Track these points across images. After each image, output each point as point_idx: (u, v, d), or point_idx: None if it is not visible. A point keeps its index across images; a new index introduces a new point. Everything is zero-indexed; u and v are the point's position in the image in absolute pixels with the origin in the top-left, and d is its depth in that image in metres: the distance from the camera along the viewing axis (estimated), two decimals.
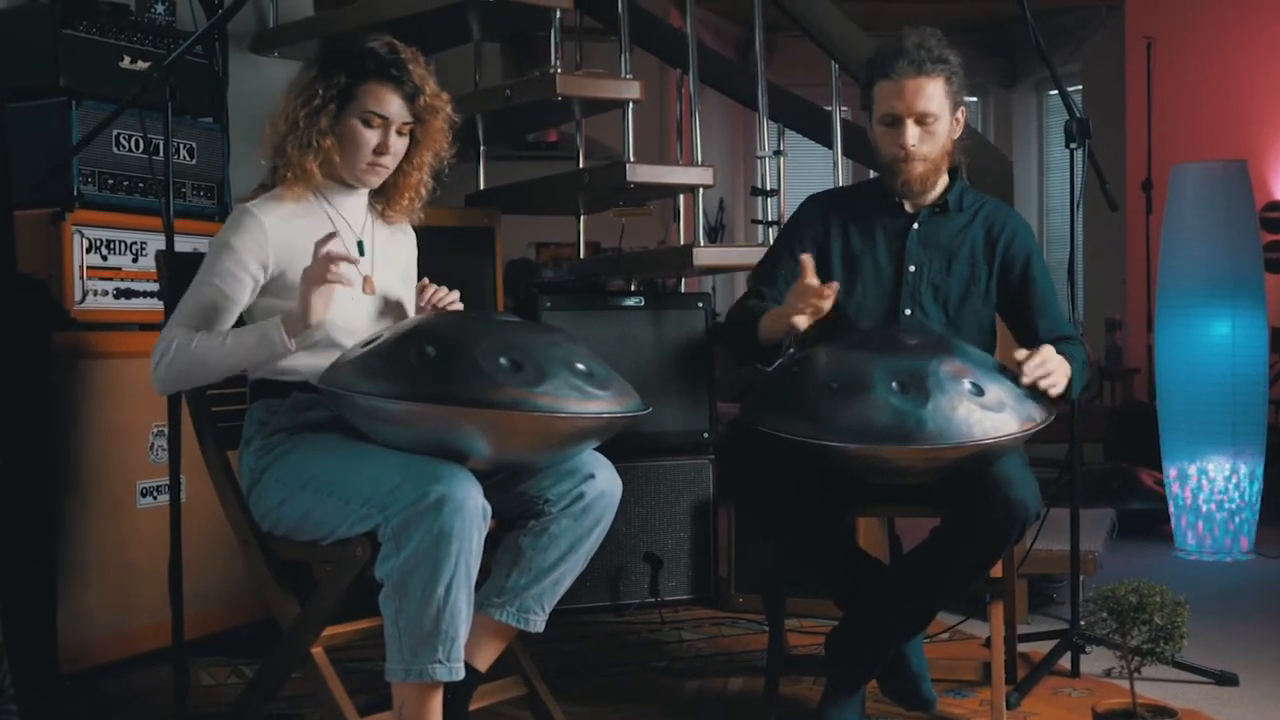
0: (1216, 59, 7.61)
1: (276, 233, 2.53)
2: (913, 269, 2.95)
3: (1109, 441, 6.80)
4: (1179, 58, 7.51)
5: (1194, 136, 7.38)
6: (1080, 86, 8.29)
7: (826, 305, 2.71)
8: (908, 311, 2.94)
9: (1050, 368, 2.64)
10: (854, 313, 2.94)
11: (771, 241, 4.11)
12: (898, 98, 2.86)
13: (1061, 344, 2.80)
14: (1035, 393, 2.63)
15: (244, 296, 2.53)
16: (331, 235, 2.45)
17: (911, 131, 2.87)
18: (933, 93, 2.86)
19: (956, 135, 2.96)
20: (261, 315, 2.56)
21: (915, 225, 2.97)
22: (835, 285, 2.71)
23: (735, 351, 3.03)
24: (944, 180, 2.99)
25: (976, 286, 2.96)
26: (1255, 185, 6.90)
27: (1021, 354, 2.65)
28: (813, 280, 2.70)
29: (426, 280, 2.73)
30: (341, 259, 2.40)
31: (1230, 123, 7.51)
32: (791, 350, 2.91)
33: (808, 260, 2.73)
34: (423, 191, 2.73)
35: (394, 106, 2.57)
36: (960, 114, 2.95)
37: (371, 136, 2.57)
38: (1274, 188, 7.60)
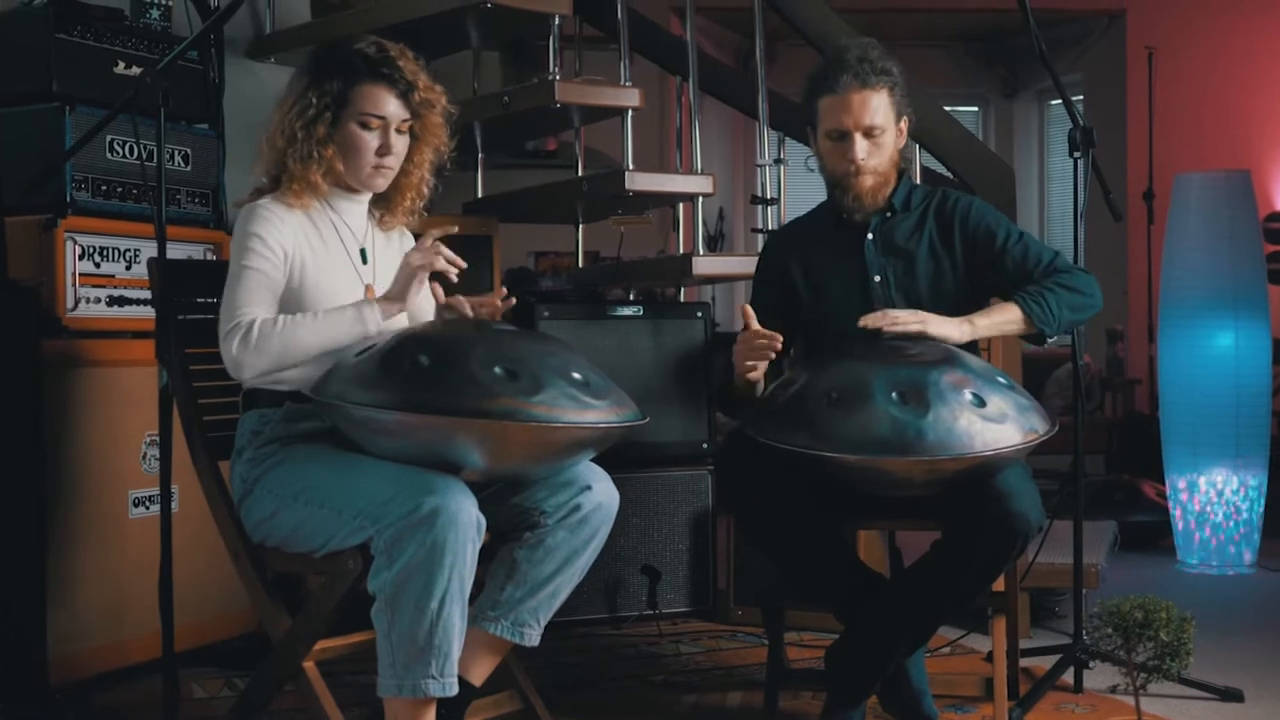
0: (1218, 69, 7.61)
1: (289, 232, 2.52)
2: (878, 279, 2.94)
3: (1110, 453, 6.78)
4: (1180, 68, 7.50)
5: (1195, 146, 7.37)
6: (1082, 96, 8.28)
7: (774, 350, 2.73)
8: None
9: (893, 318, 2.70)
10: (834, 335, 2.91)
11: None
12: (844, 112, 2.86)
13: (1050, 278, 2.83)
14: (1036, 404, 2.60)
15: (280, 276, 2.49)
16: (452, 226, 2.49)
17: (860, 145, 2.86)
18: (878, 105, 2.86)
19: (902, 145, 2.97)
20: None
21: (869, 235, 2.95)
22: (777, 337, 2.72)
23: (733, 417, 3.04)
24: (890, 187, 2.97)
25: (943, 279, 2.93)
26: (1258, 196, 6.88)
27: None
28: (755, 327, 2.74)
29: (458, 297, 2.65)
30: (450, 260, 2.43)
31: (1231, 133, 7.50)
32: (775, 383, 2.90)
33: (748, 311, 2.77)
34: (424, 190, 2.71)
35: (390, 105, 2.55)
36: (903, 124, 2.94)
37: (371, 139, 2.55)
38: (1276, 198, 7.59)
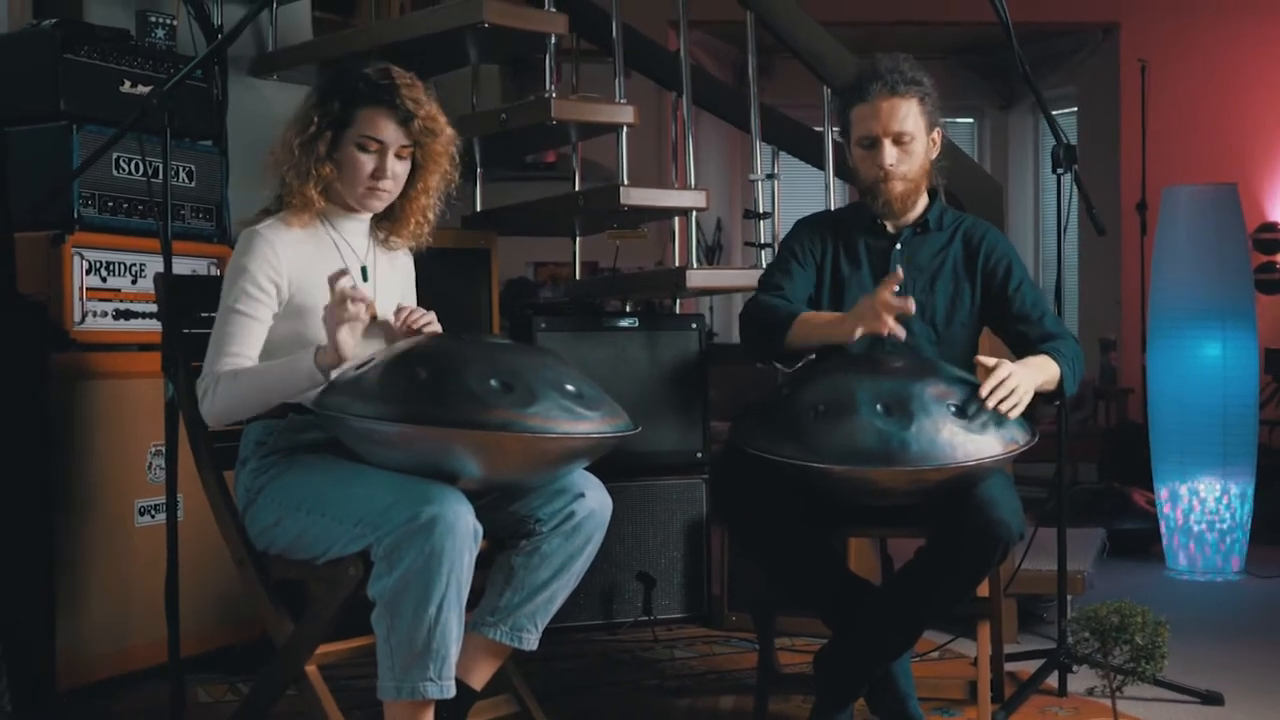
0: (1210, 82, 7.68)
1: (287, 256, 2.58)
2: (897, 288, 3.00)
3: (1103, 461, 6.84)
4: (1173, 80, 7.57)
5: (1188, 158, 7.44)
6: (1076, 108, 8.35)
7: (896, 323, 2.74)
8: None
9: (1009, 388, 2.64)
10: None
11: (765, 263, 4.17)
12: (874, 119, 2.93)
13: (1049, 343, 2.87)
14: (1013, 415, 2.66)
15: (268, 314, 2.56)
16: (341, 273, 2.47)
17: (890, 151, 2.93)
18: (907, 113, 2.93)
19: (934, 155, 3.03)
20: (281, 341, 2.59)
21: (898, 245, 3.02)
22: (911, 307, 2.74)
23: (754, 348, 3.02)
24: (924, 200, 3.05)
25: (961, 302, 3.00)
26: (1249, 207, 6.94)
27: (982, 374, 2.66)
28: (890, 297, 2.73)
29: (402, 303, 2.71)
30: (355, 297, 2.44)
31: (1223, 145, 7.57)
32: (812, 357, 2.95)
33: (897, 276, 2.75)
34: (430, 215, 2.76)
35: (389, 131, 2.61)
36: (936, 134, 3.01)
37: (368, 161, 2.61)
38: (1267, 209, 7.66)
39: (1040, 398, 2.85)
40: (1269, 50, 7.74)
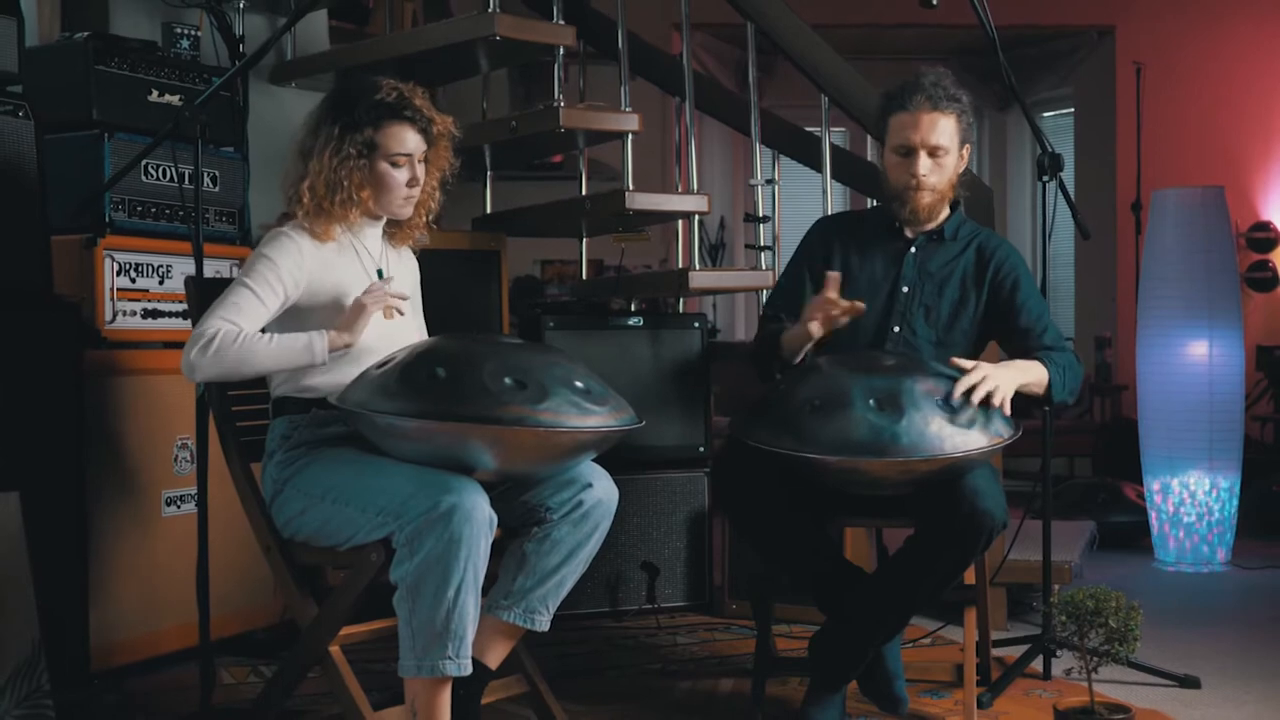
0: (1205, 84, 7.79)
1: (311, 258, 2.74)
2: (906, 290, 3.15)
3: (1096, 456, 6.97)
4: (1168, 82, 7.68)
5: (1183, 159, 7.55)
6: (1072, 109, 8.47)
7: (842, 319, 2.95)
8: (896, 329, 3.14)
9: (986, 389, 2.78)
10: (847, 327, 3.13)
11: (765, 266, 4.32)
12: (913, 129, 3.07)
13: (1047, 352, 3.03)
14: (997, 408, 2.81)
15: (274, 305, 2.70)
16: (388, 280, 2.68)
17: (924, 163, 3.08)
18: (945, 127, 3.08)
19: (961, 170, 3.18)
20: (286, 329, 2.73)
21: (912, 250, 3.17)
22: (860, 306, 2.94)
23: (761, 372, 3.23)
24: (945, 211, 3.19)
25: (965, 309, 3.15)
26: (1242, 207, 7.07)
27: (958, 376, 2.82)
28: (832, 294, 2.93)
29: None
30: (397, 295, 2.63)
31: (1218, 146, 7.68)
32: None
33: (835, 277, 2.96)
34: (433, 205, 2.94)
35: (412, 142, 2.79)
36: (966, 150, 3.16)
37: (401, 175, 2.79)
38: (1260, 209, 7.77)
39: (1030, 400, 3.02)
40: (1263, 53, 7.85)
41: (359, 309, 2.67)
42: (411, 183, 2.80)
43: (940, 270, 3.16)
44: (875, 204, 3.34)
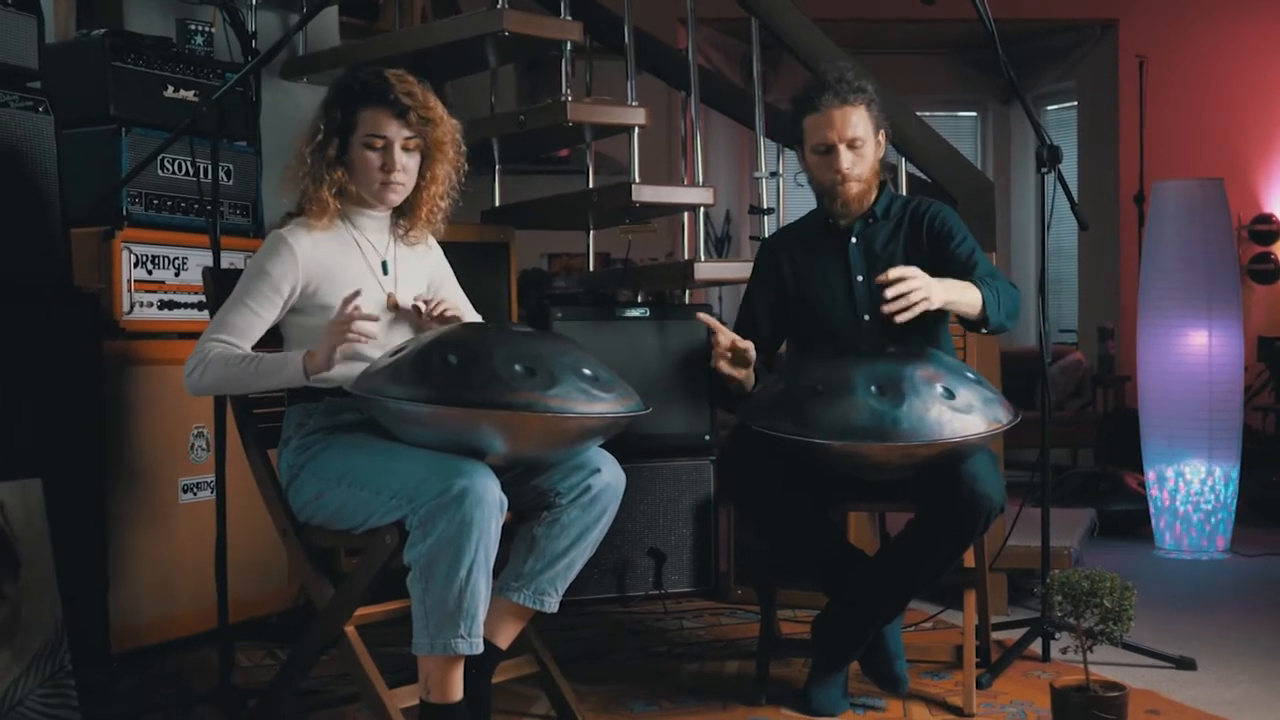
0: (1207, 77, 7.84)
1: (307, 257, 2.79)
2: (860, 279, 3.23)
3: (1100, 447, 7.03)
4: (1170, 76, 7.74)
5: (1185, 152, 7.61)
6: (1075, 102, 8.52)
7: (748, 353, 3.08)
8: (866, 318, 3.21)
9: (908, 287, 2.87)
10: (821, 328, 3.22)
11: None
12: (828, 127, 3.16)
13: (996, 280, 3.08)
14: (1001, 397, 2.88)
15: (274, 314, 2.79)
16: (355, 294, 2.68)
17: (845, 156, 3.16)
18: (857, 119, 3.17)
19: (881, 155, 3.27)
20: (293, 329, 2.84)
21: (853, 239, 3.26)
22: (750, 345, 3.10)
23: (724, 405, 3.38)
24: (874, 194, 3.27)
25: None
26: (1244, 199, 7.11)
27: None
28: (721, 339, 3.08)
29: (425, 295, 2.94)
30: (364, 318, 2.65)
31: (1220, 138, 7.73)
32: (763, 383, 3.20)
33: (706, 319, 3.14)
34: (441, 204, 2.95)
35: (390, 127, 2.82)
36: (882, 135, 3.25)
37: (376, 158, 2.83)
38: (1262, 201, 7.83)
39: (965, 323, 3.12)
40: (1265, 46, 7.90)
41: (326, 340, 2.67)
42: (387, 167, 2.82)
43: (885, 249, 3.24)
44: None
